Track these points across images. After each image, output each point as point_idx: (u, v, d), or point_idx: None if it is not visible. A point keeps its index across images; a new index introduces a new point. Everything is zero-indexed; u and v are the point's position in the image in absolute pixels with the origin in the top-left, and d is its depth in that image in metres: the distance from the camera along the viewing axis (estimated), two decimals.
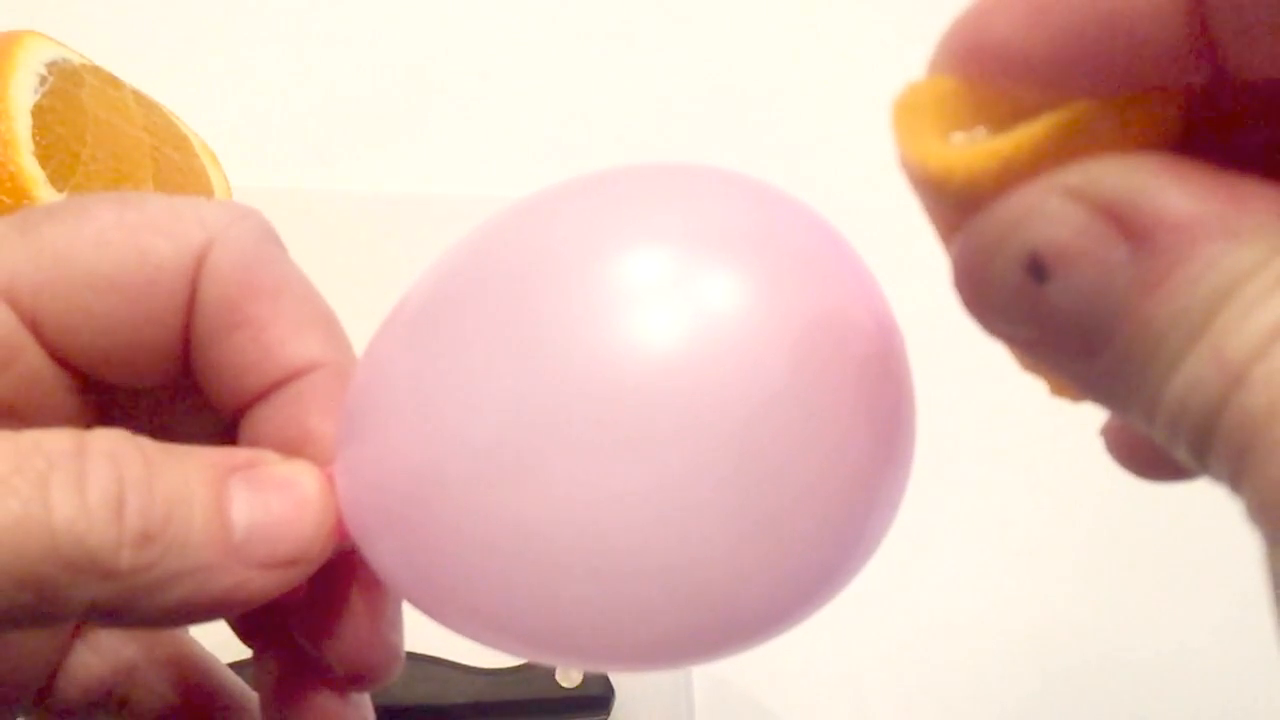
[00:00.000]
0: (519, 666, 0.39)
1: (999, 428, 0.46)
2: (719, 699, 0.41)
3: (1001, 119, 0.14)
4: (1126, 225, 0.13)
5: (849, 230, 0.19)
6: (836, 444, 0.17)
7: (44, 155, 0.41)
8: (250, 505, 0.18)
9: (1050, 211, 0.13)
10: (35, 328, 0.20)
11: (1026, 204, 0.13)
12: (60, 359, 0.20)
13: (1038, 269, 0.13)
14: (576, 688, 0.39)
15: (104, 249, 0.19)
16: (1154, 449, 0.18)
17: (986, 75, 0.14)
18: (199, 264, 0.20)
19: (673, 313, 0.17)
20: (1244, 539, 0.12)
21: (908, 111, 0.15)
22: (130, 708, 0.23)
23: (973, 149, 0.14)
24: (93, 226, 0.20)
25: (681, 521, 0.16)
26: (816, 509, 0.17)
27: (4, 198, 0.40)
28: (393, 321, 0.19)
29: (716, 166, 0.19)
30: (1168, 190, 0.13)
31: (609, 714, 0.39)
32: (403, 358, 0.18)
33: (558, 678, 0.39)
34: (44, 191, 0.41)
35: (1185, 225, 0.12)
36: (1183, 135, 0.14)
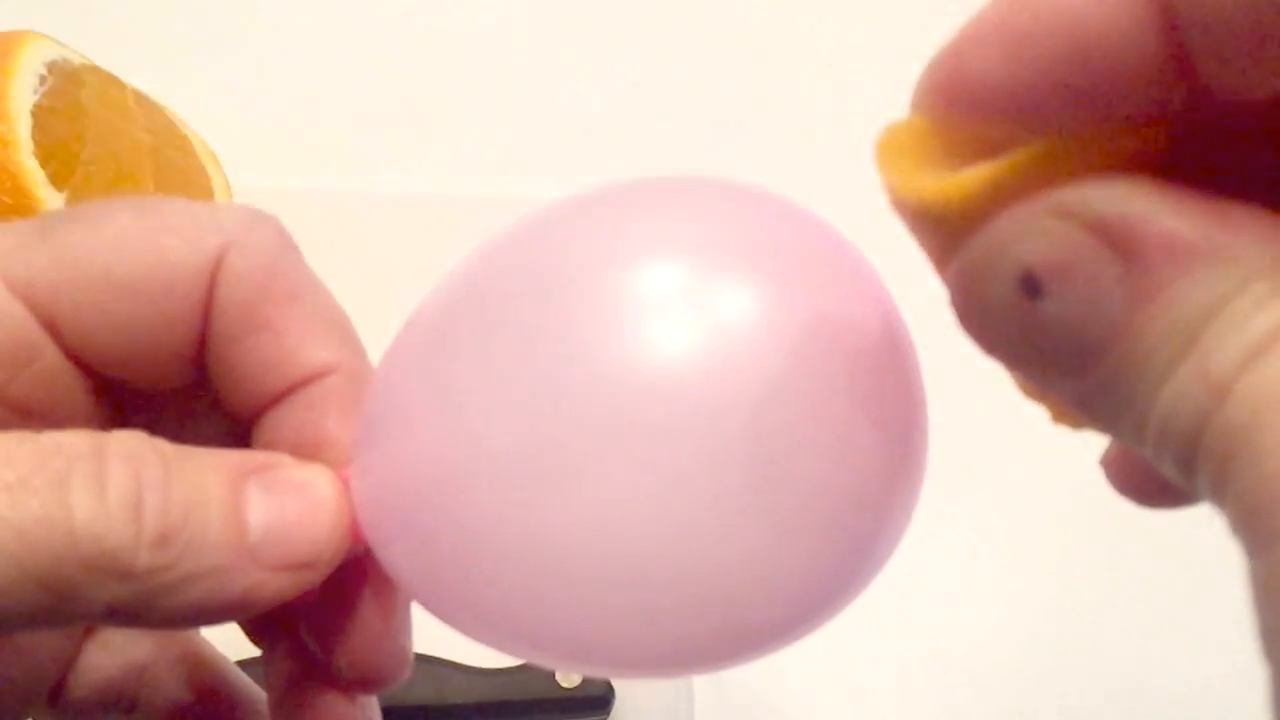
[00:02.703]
0: (519, 666, 0.39)
1: (1004, 433, 0.46)
2: (719, 699, 0.42)
3: (981, 157, 0.14)
4: (1118, 244, 0.13)
5: (861, 238, 0.19)
6: (852, 450, 0.17)
7: (44, 155, 0.41)
8: (266, 508, 0.19)
9: (1043, 229, 0.13)
10: (53, 328, 0.20)
11: (1020, 223, 0.14)
12: (78, 360, 0.20)
13: (1031, 286, 0.13)
14: (576, 688, 0.39)
15: (122, 252, 0.20)
16: (1152, 477, 0.18)
17: (966, 111, 0.14)
18: (216, 268, 0.20)
19: (688, 321, 0.17)
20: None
21: (890, 151, 0.15)
22: (141, 707, 0.23)
23: (965, 175, 0.14)
24: (111, 229, 0.20)
25: (700, 529, 0.17)
26: (833, 513, 0.17)
27: (4, 197, 0.41)
28: (411, 327, 0.19)
29: (728, 178, 0.19)
30: (1159, 211, 0.13)
31: (609, 714, 0.39)
32: (421, 363, 0.19)
33: (558, 678, 0.39)
34: (44, 191, 0.41)
35: (1175, 245, 0.13)
36: (1168, 157, 0.14)
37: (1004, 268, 0.14)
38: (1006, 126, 0.14)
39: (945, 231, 0.15)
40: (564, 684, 0.39)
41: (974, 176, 0.14)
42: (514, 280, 0.18)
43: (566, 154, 0.55)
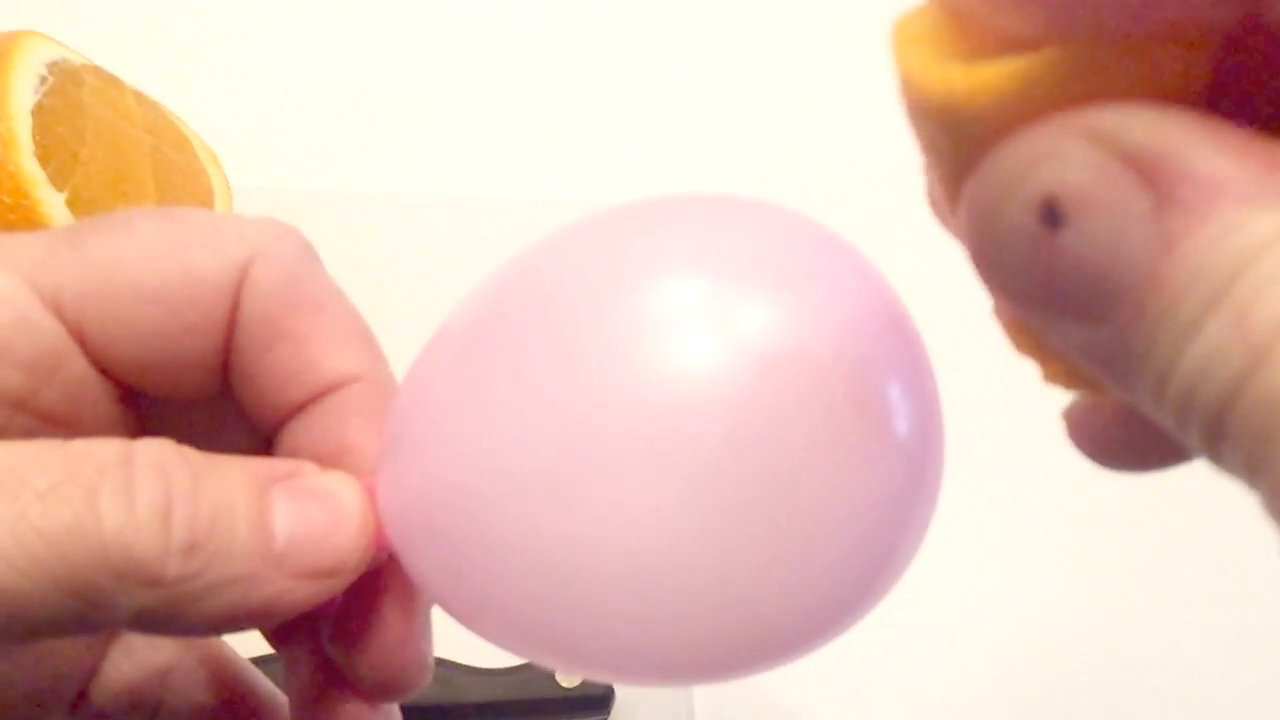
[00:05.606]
0: (519, 666, 0.39)
1: (1008, 435, 0.47)
2: (719, 699, 0.42)
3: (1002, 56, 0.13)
4: (1151, 177, 0.12)
5: (871, 246, 0.20)
6: (870, 464, 0.17)
7: (44, 155, 0.41)
8: (291, 515, 0.19)
9: (1070, 153, 0.12)
10: (80, 337, 0.20)
11: (1045, 144, 0.12)
12: (104, 369, 0.20)
13: (1052, 214, 0.12)
14: (577, 688, 0.39)
15: (149, 262, 0.20)
16: (1120, 434, 0.17)
17: (985, 6, 0.13)
18: (241, 278, 0.20)
19: (704, 340, 0.17)
20: (1256, 547, 0.12)
21: (906, 42, 0.13)
22: (164, 712, 0.24)
23: (996, 69, 0.13)
24: (138, 240, 0.20)
25: (721, 543, 0.17)
26: (853, 527, 0.18)
27: (4, 197, 0.40)
28: (438, 340, 0.20)
29: (738, 195, 0.20)
30: (1199, 147, 0.12)
31: (609, 714, 0.40)
32: (448, 376, 0.19)
33: (558, 678, 0.39)
34: (44, 192, 0.41)
35: (1214, 184, 0.11)
36: (1210, 87, 0.13)
37: (1024, 192, 0.12)
38: (1031, 22, 0.12)
39: (967, 136, 0.13)
40: (564, 684, 0.39)
41: (1006, 71, 0.12)
42: (538, 298, 0.19)
43: (567, 155, 0.55)
